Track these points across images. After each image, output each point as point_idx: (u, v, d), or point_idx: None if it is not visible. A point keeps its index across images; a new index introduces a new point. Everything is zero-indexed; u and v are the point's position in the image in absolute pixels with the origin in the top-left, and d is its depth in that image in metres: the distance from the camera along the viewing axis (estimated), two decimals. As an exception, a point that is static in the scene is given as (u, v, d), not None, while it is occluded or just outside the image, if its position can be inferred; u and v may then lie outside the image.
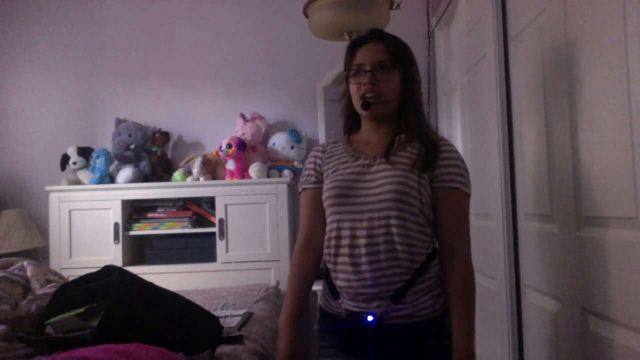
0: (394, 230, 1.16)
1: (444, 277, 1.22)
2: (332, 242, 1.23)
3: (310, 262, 1.31)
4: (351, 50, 1.30)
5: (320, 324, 1.32)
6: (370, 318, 1.18)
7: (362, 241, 1.18)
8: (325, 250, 1.26)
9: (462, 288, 1.19)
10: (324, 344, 1.30)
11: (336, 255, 1.22)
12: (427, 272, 1.20)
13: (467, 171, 1.24)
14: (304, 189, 1.34)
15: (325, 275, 1.28)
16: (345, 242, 1.20)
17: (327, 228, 1.26)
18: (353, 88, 1.27)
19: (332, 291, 1.25)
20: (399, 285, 1.17)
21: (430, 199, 1.21)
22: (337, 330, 1.25)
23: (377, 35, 1.28)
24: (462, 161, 1.25)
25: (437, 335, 1.19)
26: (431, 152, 1.21)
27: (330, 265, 1.25)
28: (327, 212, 1.26)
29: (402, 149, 1.24)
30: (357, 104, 1.27)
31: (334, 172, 1.27)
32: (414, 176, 1.19)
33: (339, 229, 1.22)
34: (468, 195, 1.23)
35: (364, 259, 1.17)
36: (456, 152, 1.26)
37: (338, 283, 1.22)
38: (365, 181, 1.22)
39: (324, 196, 1.26)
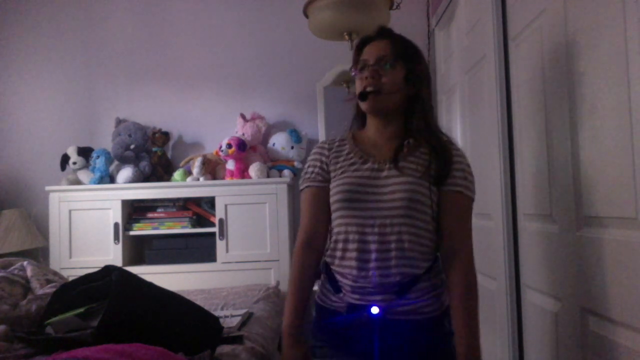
0: (406, 237, 1.17)
1: (446, 277, 1.22)
2: (340, 245, 1.21)
3: (312, 264, 1.27)
4: (358, 49, 1.30)
5: (315, 321, 1.28)
6: (375, 310, 1.16)
7: (372, 246, 1.17)
8: (330, 252, 1.25)
9: (465, 288, 1.18)
10: (317, 343, 1.26)
11: (342, 258, 1.21)
12: (433, 271, 1.21)
13: (471, 174, 1.25)
14: (307, 186, 1.29)
15: (325, 270, 1.26)
16: (353, 246, 1.19)
17: (335, 230, 1.24)
18: (357, 84, 1.27)
19: (333, 285, 1.23)
20: (404, 283, 1.17)
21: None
22: (335, 325, 1.22)
23: (384, 33, 1.29)
24: (468, 165, 1.25)
25: (437, 333, 1.20)
26: (445, 163, 1.20)
27: (334, 267, 1.24)
28: (335, 214, 1.24)
29: (411, 153, 1.23)
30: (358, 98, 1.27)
31: (342, 173, 1.25)
32: (425, 183, 1.19)
33: (347, 232, 1.20)
34: (471, 199, 1.24)
35: (372, 264, 1.17)
36: (463, 156, 1.25)
37: (340, 279, 1.21)
38: (376, 186, 1.20)
39: (333, 198, 1.24)
